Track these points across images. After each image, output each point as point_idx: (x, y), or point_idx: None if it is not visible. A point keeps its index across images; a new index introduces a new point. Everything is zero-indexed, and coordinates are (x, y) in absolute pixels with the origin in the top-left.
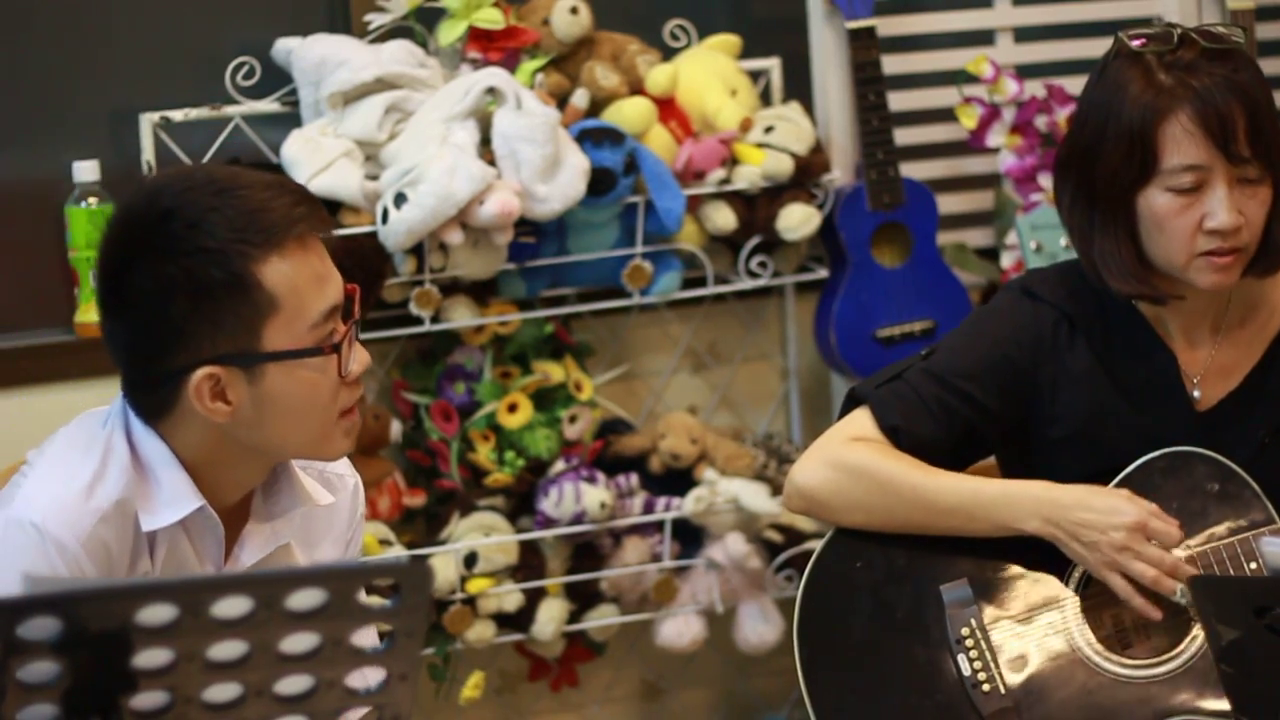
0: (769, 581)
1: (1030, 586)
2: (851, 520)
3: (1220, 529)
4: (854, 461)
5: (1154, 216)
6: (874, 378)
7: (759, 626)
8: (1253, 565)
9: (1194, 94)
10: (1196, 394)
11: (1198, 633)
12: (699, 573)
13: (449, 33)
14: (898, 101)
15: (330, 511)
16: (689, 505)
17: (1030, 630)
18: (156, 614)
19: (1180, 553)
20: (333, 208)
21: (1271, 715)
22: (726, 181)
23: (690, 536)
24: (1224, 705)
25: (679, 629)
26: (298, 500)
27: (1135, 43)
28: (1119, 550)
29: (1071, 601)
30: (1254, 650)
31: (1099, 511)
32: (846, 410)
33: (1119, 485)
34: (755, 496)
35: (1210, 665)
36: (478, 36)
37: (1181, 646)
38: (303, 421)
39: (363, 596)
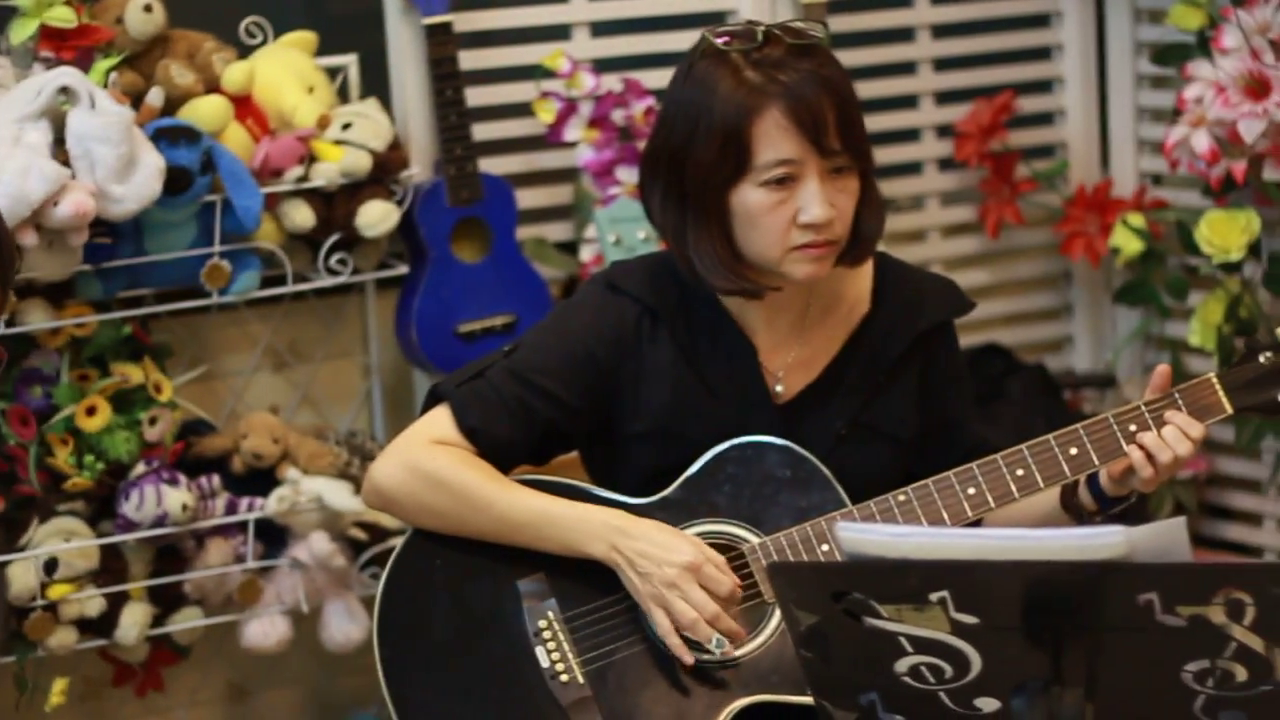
0: (354, 580)
1: (607, 579)
2: (426, 524)
3: (792, 513)
4: (431, 468)
5: (748, 213)
6: (456, 375)
7: (345, 625)
8: (825, 547)
9: (784, 90)
10: (779, 387)
11: (775, 617)
12: (283, 573)
13: (20, 31)
14: (476, 97)
15: None
16: (272, 505)
17: (608, 621)
18: None
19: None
20: None
21: (850, 699)
22: (305, 179)
23: (274, 536)
24: (802, 689)
25: (265, 630)
26: None
27: (721, 41)
28: (668, 586)
29: None
30: (832, 635)
31: (660, 546)
32: (428, 407)
33: (692, 475)
34: (339, 495)
35: (786, 649)
36: (50, 35)
37: (758, 631)
38: None
39: None
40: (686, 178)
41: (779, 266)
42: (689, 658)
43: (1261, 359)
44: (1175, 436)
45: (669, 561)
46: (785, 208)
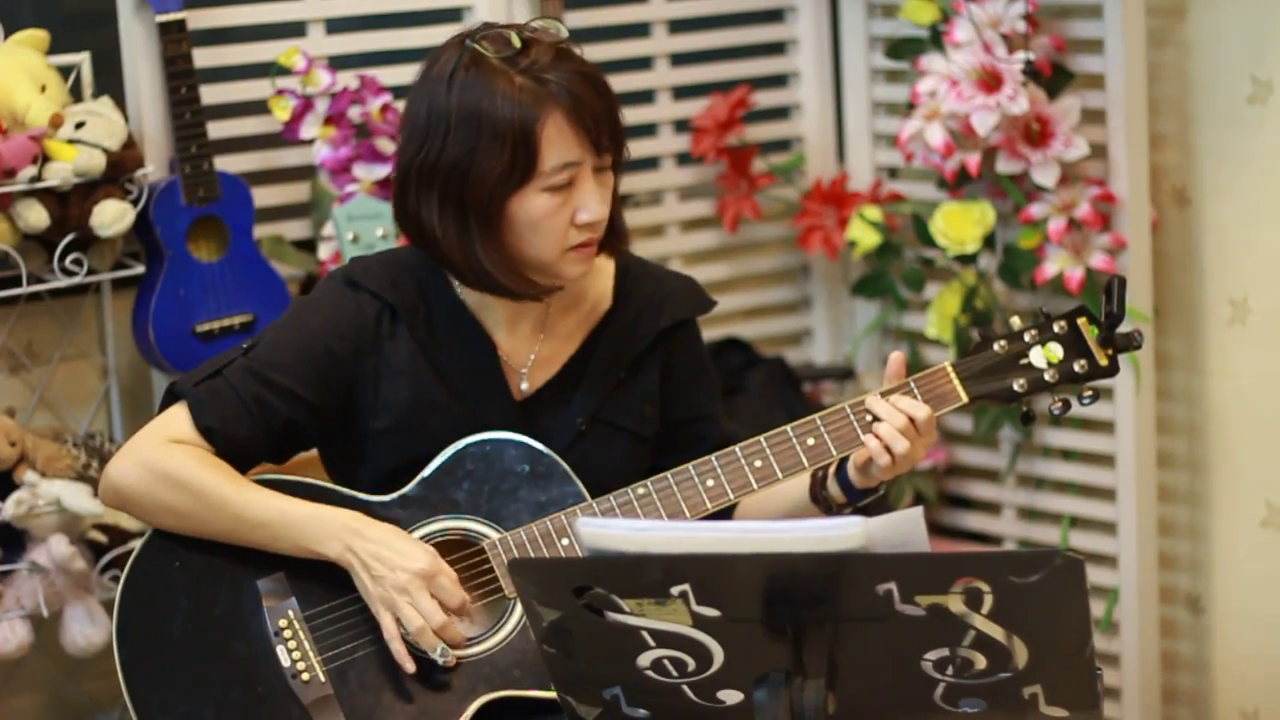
0: (95, 583)
1: (347, 577)
2: (165, 523)
3: (532, 508)
4: (167, 467)
5: (530, 218)
6: (195, 373)
7: (86, 629)
8: (565, 542)
9: (560, 93)
10: (524, 385)
11: (516, 613)
12: (22, 577)
13: None
14: (211, 95)
15: None
16: (9, 509)
17: (349, 620)
18: None
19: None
20: None
21: (593, 693)
22: (38, 179)
23: (12, 540)
24: (546, 684)
25: (4, 636)
26: None
27: (483, 49)
28: (399, 591)
29: None
30: (574, 630)
31: (395, 551)
32: (166, 406)
33: (432, 472)
34: (78, 497)
35: (529, 644)
36: None
37: (499, 627)
38: None
39: None
40: (468, 190)
41: (555, 267)
42: (409, 665)
43: (996, 348)
44: (903, 421)
45: (402, 567)
46: (565, 210)
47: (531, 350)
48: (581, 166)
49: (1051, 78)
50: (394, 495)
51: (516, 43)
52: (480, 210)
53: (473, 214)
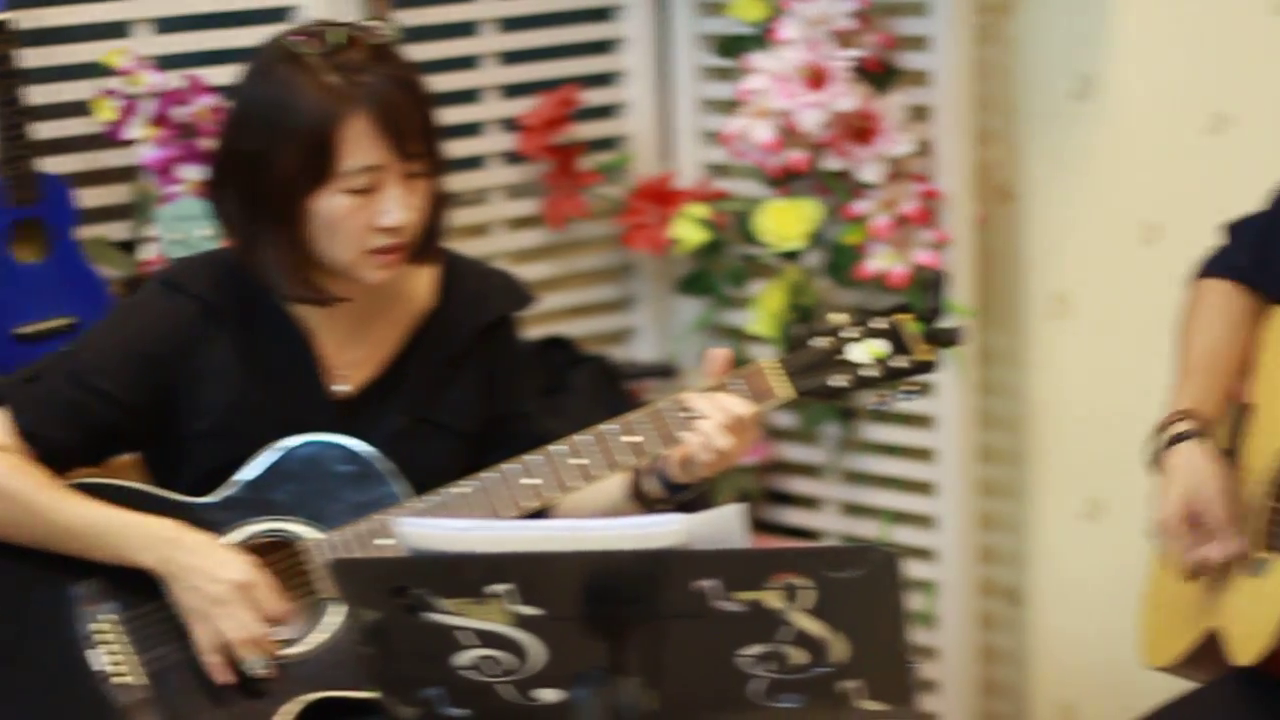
0: None
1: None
2: None
3: (352, 509)
4: None
5: (328, 219)
6: (14, 376)
7: None
8: (385, 542)
9: (368, 94)
10: (343, 386)
11: (336, 612)
12: None
13: None
14: (39, 95)
15: None
16: None
17: (167, 623)
18: None
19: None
20: None
21: (413, 693)
22: None
23: None
24: (366, 684)
25: None
26: None
27: (297, 44)
28: (214, 602)
29: None
30: (393, 630)
31: (213, 561)
32: None
33: (251, 474)
34: None
35: (350, 644)
36: None
37: (319, 628)
38: None
39: None
40: (262, 182)
41: (353, 270)
42: (226, 676)
43: (817, 344)
44: (725, 418)
45: (218, 578)
46: (365, 212)
47: (352, 350)
48: (385, 171)
49: (879, 75)
50: (215, 497)
51: (334, 40)
52: (271, 205)
53: (263, 208)
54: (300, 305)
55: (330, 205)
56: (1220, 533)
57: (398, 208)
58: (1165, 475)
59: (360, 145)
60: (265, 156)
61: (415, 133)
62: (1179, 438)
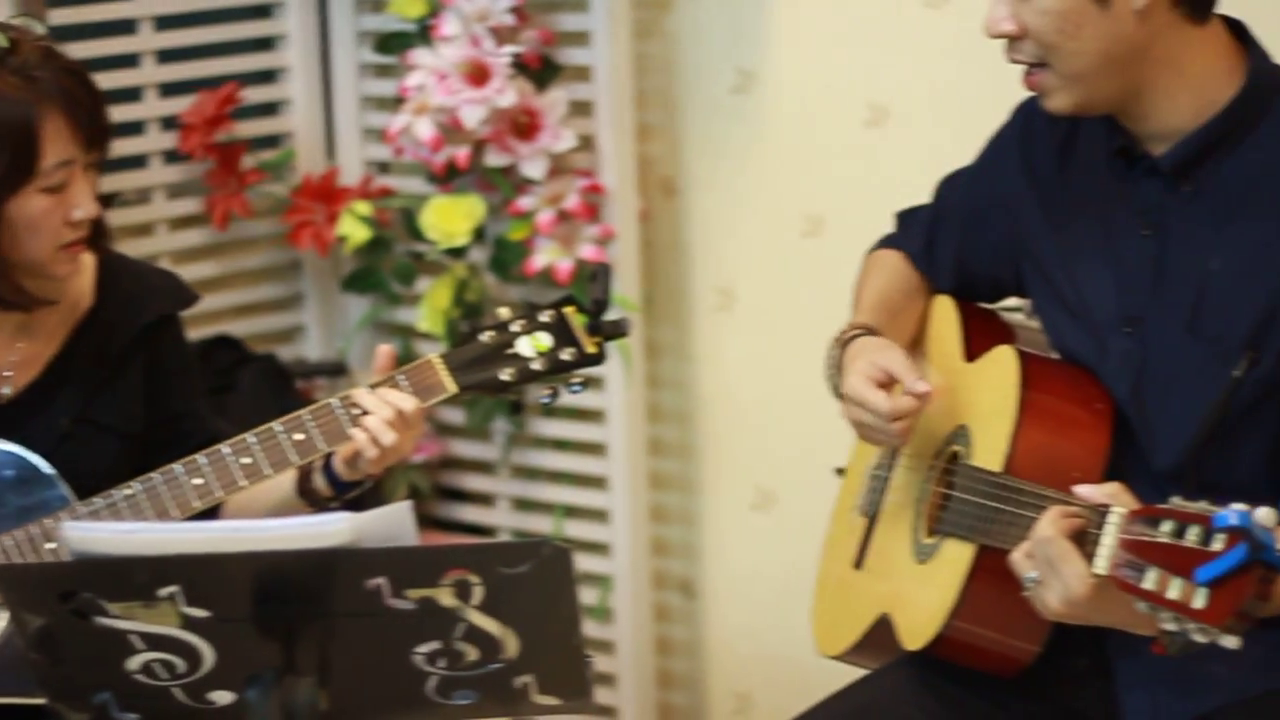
0: None
1: None
2: None
3: (15, 513)
4: None
5: (28, 220)
6: None
7: None
8: (51, 546)
9: (54, 91)
10: (5, 388)
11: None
12: None
13: None
14: None
15: None
16: None
17: None
18: None
19: None
20: None
21: (83, 699)
22: None
23: None
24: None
25: None
26: None
27: None
28: None
29: None
30: (61, 636)
31: None
32: None
33: None
34: None
35: (14, 649)
36: None
37: None
38: None
39: None
40: None
41: (48, 268)
42: None
43: (483, 338)
44: (391, 414)
45: None
46: (60, 209)
47: (12, 352)
48: (74, 165)
49: (540, 71)
50: None
51: (2, 42)
52: None
53: None
54: None
55: (30, 206)
56: (907, 377)
57: (88, 200)
58: (845, 365)
59: (57, 141)
60: None
61: (98, 123)
62: (854, 337)
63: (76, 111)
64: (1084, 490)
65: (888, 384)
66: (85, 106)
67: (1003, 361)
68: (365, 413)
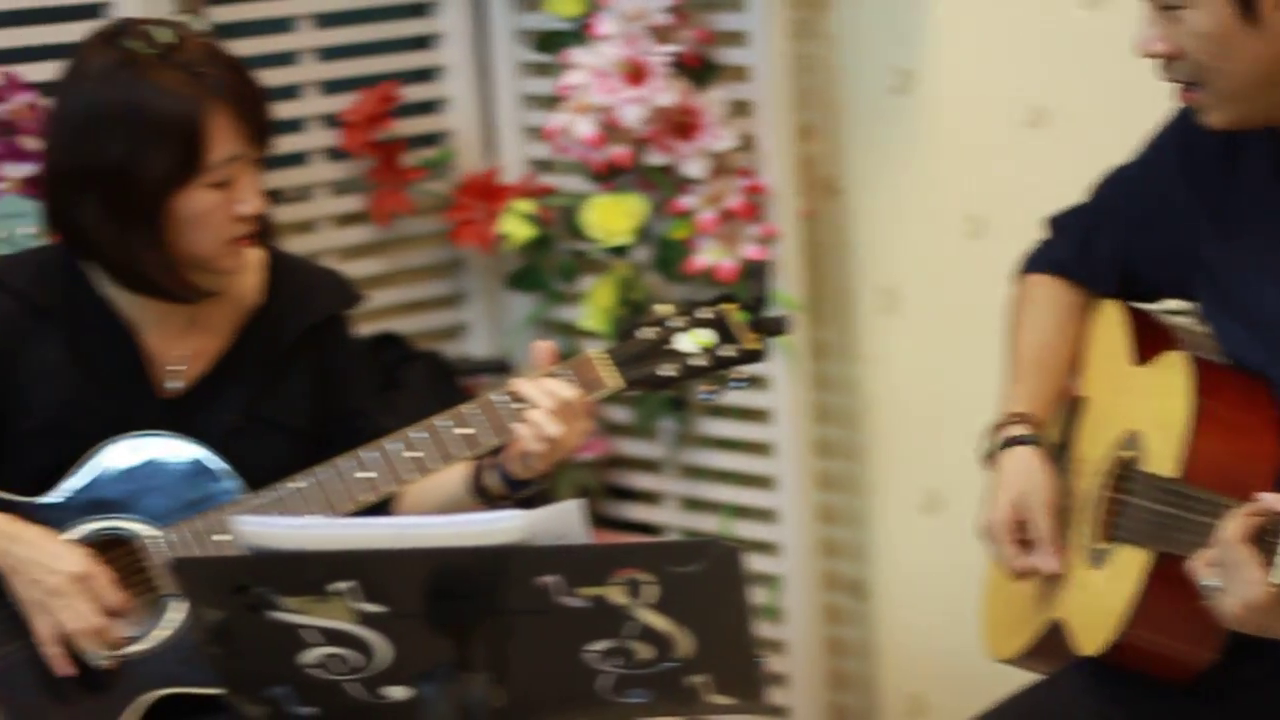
0: None
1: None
2: None
3: (186, 506)
4: None
5: (196, 214)
6: None
7: None
8: (222, 538)
9: (220, 88)
10: (173, 384)
11: (176, 609)
12: None
13: None
14: None
15: None
16: None
17: (4, 621)
18: None
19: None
20: None
21: (259, 692)
22: None
23: None
24: (212, 680)
25: None
26: None
27: (129, 46)
28: (53, 595)
29: None
30: (237, 629)
31: (48, 554)
32: None
33: (83, 472)
34: None
35: (191, 639)
36: None
37: (159, 624)
38: None
39: None
40: (129, 189)
41: (216, 262)
42: (68, 669)
43: (644, 334)
44: (554, 404)
45: (55, 570)
46: (227, 204)
47: (182, 347)
48: (242, 161)
49: (698, 70)
50: (48, 497)
51: (163, 39)
52: (143, 211)
53: (135, 215)
54: (130, 305)
55: (197, 201)
56: (1041, 546)
57: (255, 195)
58: (997, 478)
59: (224, 137)
60: (130, 164)
61: (264, 119)
62: (1012, 441)
63: (241, 107)
64: (1267, 497)
65: (1025, 530)
66: (250, 102)
67: (1175, 367)
68: (529, 405)
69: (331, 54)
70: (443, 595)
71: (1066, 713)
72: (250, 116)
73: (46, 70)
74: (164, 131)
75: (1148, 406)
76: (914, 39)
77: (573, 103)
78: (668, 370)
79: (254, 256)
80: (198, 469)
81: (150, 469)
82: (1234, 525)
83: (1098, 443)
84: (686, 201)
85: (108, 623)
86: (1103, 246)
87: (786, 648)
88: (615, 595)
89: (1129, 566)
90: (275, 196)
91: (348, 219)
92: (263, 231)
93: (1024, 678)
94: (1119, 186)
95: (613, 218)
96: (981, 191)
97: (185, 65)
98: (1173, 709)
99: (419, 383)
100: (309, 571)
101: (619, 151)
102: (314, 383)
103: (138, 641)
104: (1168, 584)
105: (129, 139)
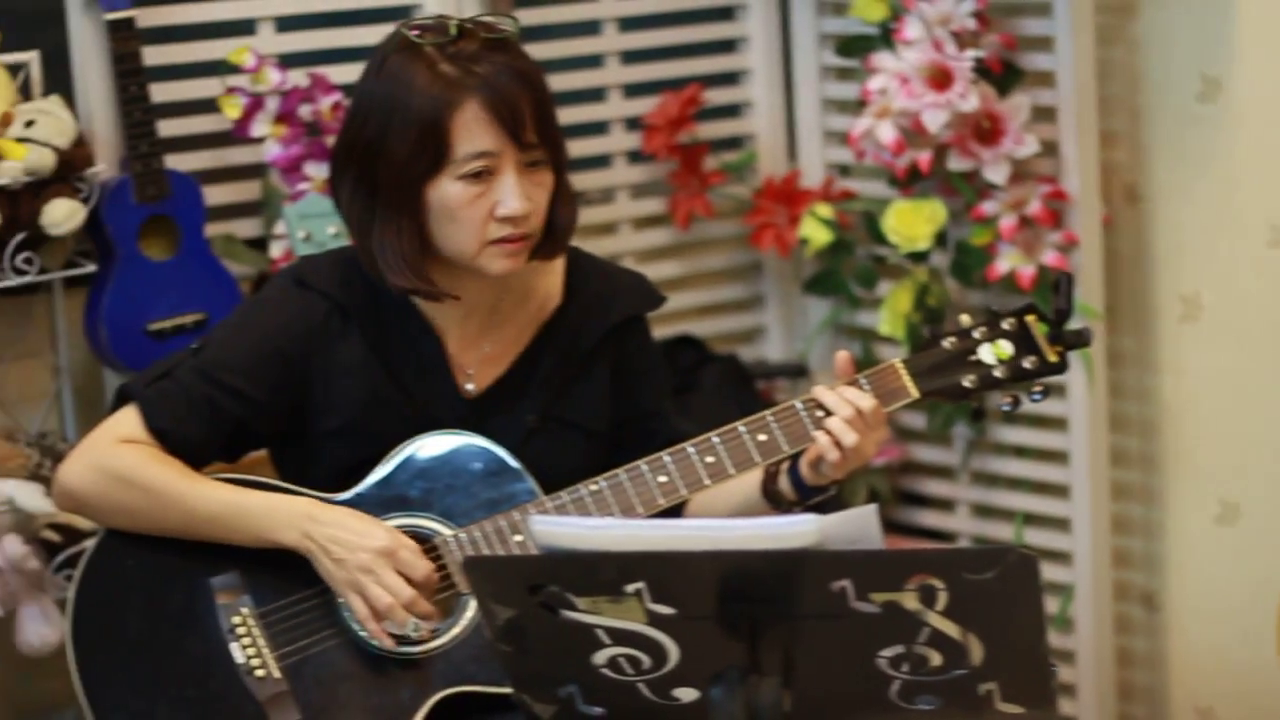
0: (49, 582)
1: (301, 572)
2: (118, 524)
3: (484, 505)
4: (118, 466)
5: (445, 207)
6: (145, 374)
7: (40, 628)
8: (518, 539)
9: (481, 83)
10: (470, 384)
11: (470, 609)
12: None
13: None
14: (161, 93)
15: None
16: None
17: (303, 615)
18: None
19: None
20: None
21: (549, 691)
22: None
23: None
24: (501, 680)
25: None
26: None
27: (414, 35)
28: (362, 571)
29: None
30: (529, 628)
31: (353, 532)
32: (116, 408)
33: (383, 471)
34: (31, 497)
35: (484, 640)
36: None
37: (454, 623)
38: None
39: None
40: (380, 171)
41: (475, 261)
42: (388, 640)
43: (945, 344)
44: (851, 413)
45: (362, 546)
46: (483, 201)
47: (481, 347)
48: (500, 158)
49: (1002, 75)
50: (347, 494)
51: (452, 31)
52: (389, 195)
53: (382, 199)
54: (430, 305)
55: (447, 193)
56: None
57: (513, 196)
58: None
59: (473, 131)
60: (379, 144)
61: (530, 122)
62: None
63: (500, 105)
64: None
65: None
66: (514, 102)
67: None
68: (828, 414)
69: (634, 57)
70: (734, 598)
71: None
72: (509, 116)
73: (353, 72)
74: (411, 119)
75: None
76: (1221, 46)
77: (875, 107)
78: (968, 381)
79: (555, 261)
80: (497, 469)
81: (450, 468)
82: None
83: None
84: (987, 207)
85: (418, 595)
86: None
87: (1076, 657)
88: (908, 601)
89: None
90: (578, 197)
91: (647, 221)
92: (550, 239)
93: None
94: None
95: (913, 223)
96: None
97: (456, 58)
98: None
99: (716, 386)
100: (602, 572)
101: (920, 156)
102: (611, 384)
103: (433, 639)
104: None
105: (381, 124)
